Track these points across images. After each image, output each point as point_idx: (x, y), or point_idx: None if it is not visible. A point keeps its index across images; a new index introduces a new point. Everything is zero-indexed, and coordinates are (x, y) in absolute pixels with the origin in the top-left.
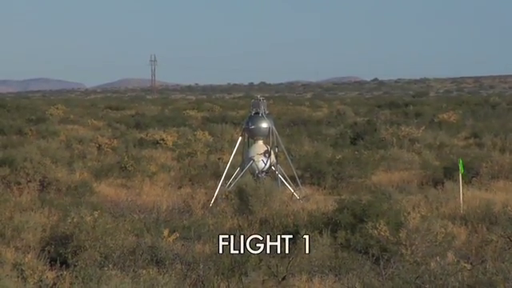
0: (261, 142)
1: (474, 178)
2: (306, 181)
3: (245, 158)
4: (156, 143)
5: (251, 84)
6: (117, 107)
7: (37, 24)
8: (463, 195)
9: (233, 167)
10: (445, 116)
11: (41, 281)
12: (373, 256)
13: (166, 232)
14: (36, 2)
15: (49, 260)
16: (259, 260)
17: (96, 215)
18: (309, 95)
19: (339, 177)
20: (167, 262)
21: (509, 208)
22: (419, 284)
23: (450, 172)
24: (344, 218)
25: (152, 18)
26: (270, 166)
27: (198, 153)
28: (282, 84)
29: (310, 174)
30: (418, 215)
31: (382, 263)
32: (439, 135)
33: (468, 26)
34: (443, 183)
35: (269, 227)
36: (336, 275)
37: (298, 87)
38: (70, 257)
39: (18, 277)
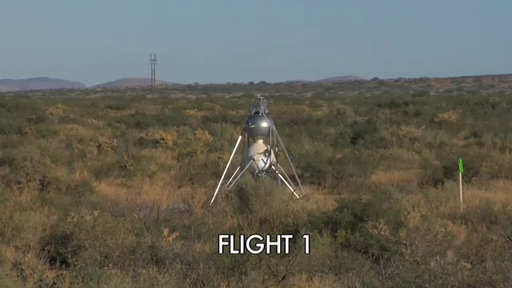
0: (261, 142)
1: (473, 178)
2: (306, 180)
3: (245, 157)
4: (156, 142)
5: (251, 83)
6: (117, 106)
7: (37, 24)
8: (463, 194)
9: (233, 167)
10: (445, 115)
11: (41, 280)
12: (373, 255)
13: (165, 231)
14: (36, 2)
15: (49, 259)
16: (259, 259)
17: (96, 214)
18: (309, 94)
19: (339, 176)
20: (167, 262)
21: (508, 207)
22: (419, 283)
23: (449, 171)
24: (344, 217)
25: (152, 18)
26: (270, 166)
27: (198, 152)
28: (281, 83)
29: (310, 173)
30: (418, 214)
31: (381, 262)
32: (439, 134)
33: (468, 25)
34: (443, 182)
35: (269, 226)
36: (336, 274)
37: (297, 87)
38: (69, 256)
39: (18, 276)
